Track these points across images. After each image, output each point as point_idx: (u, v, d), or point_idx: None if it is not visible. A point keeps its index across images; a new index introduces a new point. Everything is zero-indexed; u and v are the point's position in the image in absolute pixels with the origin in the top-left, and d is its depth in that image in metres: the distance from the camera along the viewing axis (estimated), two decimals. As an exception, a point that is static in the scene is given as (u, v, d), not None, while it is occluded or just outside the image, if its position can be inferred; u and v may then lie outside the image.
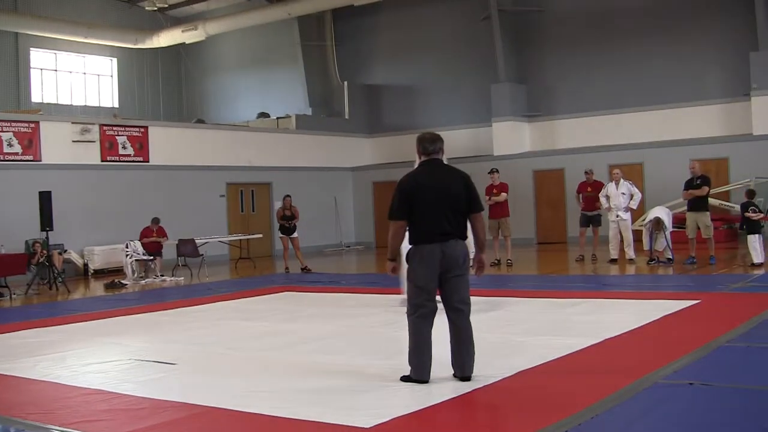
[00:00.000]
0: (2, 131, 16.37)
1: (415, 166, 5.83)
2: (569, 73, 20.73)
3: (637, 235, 14.59)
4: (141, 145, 18.77)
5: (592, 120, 20.31)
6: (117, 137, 18.33)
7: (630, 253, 14.22)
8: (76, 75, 24.75)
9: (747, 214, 12.55)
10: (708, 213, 13.17)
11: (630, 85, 19.65)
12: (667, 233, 13.53)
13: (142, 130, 18.95)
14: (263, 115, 23.58)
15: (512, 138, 21.07)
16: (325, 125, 23.59)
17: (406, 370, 5.54)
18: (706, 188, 12.99)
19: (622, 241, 14.43)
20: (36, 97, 23.42)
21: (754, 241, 12.43)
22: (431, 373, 5.46)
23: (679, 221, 14.49)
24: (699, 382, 5.10)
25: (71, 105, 24.14)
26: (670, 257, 13.50)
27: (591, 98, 20.26)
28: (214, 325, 9.02)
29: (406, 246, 5.65)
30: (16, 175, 16.43)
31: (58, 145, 17.22)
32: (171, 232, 16.38)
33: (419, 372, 5.46)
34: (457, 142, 20.71)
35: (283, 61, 25.02)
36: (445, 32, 22.66)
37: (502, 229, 14.72)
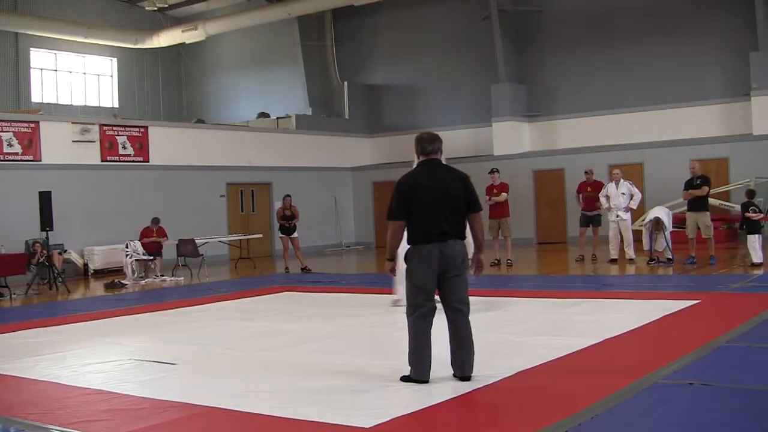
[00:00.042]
0: (2, 131, 16.37)
1: (414, 166, 5.83)
2: (569, 73, 20.73)
3: (637, 235, 14.59)
4: (141, 145, 18.77)
5: (592, 120, 20.31)
6: (117, 137, 18.33)
7: (630, 253, 14.22)
8: (76, 75, 24.75)
9: (747, 214, 12.55)
10: (708, 213, 13.17)
11: (630, 85, 19.65)
12: (667, 233, 13.53)
13: (142, 130, 18.95)
14: (263, 115, 23.58)
15: (512, 138, 21.07)
16: (325, 125, 23.60)
17: (406, 370, 5.54)
18: (706, 188, 13.00)
19: (622, 241, 14.43)
20: (36, 97, 23.42)
21: (753, 241, 12.44)
22: (431, 373, 5.46)
23: (679, 221, 14.49)
24: (699, 382, 5.10)
25: (71, 105, 24.14)
26: (670, 257, 13.50)
27: (591, 98, 20.27)
28: (214, 325, 9.02)
29: (403, 246, 5.65)
30: (16, 175, 16.43)
31: (58, 145, 17.22)
32: (171, 232, 16.38)
33: (419, 372, 5.46)
34: (457, 142, 20.72)
35: (283, 61, 25.02)
36: (445, 32, 22.66)
37: (502, 229, 14.72)
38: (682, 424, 4.35)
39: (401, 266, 5.86)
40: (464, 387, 5.33)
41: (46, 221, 14.47)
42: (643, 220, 14.82)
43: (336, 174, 23.20)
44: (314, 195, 21.45)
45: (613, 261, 14.28)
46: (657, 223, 13.54)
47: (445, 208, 5.49)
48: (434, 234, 5.45)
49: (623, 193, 14.35)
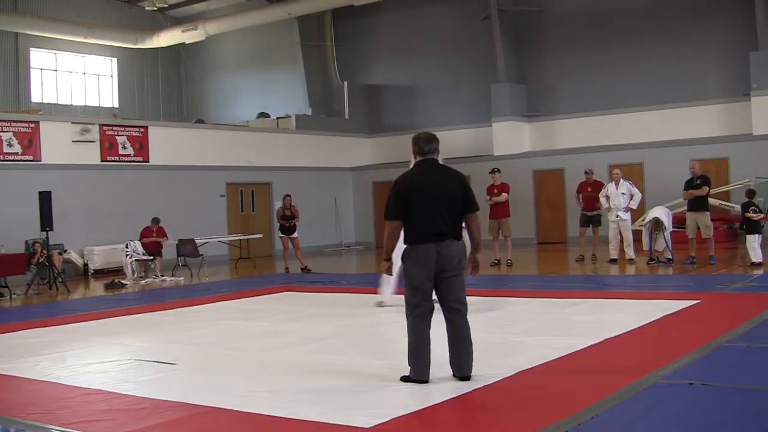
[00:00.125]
0: (2, 131, 16.37)
1: (411, 166, 5.83)
2: (569, 73, 20.73)
3: (637, 235, 14.59)
4: (141, 145, 18.77)
5: (592, 120, 20.31)
6: (117, 137, 18.33)
7: (630, 253, 14.22)
8: (76, 75, 24.75)
9: (747, 215, 12.56)
10: (708, 213, 13.17)
11: (630, 85, 19.65)
12: (667, 233, 13.53)
13: (142, 130, 18.95)
14: (263, 115, 23.58)
15: (512, 138, 21.07)
16: (325, 125, 23.59)
17: (406, 370, 5.54)
18: (706, 188, 13.00)
19: (622, 241, 14.43)
20: (36, 97, 23.42)
21: (752, 241, 12.44)
22: (431, 373, 5.46)
23: (679, 221, 14.49)
24: (699, 382, 5.10)
25: (71, 105, 24.15)
26: (670, 257, 13.50)
27: (591, 98, 20.26)
28: (214, 325, 9.02)
29: (400, 247, 5.64)
30: (16, 175, 16.43)
31: (58, 145, 17.22)
32: (171, 232, 16.38)
33: (419, 372, 5.46)
34: (457, 142, 20.73)
35: (283, 61, 25.02)
36: (445, 32, 22.66)
37: (502, 229, 14.72)
38: (682, 424, 4.35)
39: (396, 266, 5.86)
40: (464, 387, 5.33)
41: (46, 221, 14.47)
42: (643, 220, 14.82)
43: (336, 174, 23.20)
44: (314, 195, 21.45)
45: (613, 261, 14.27)
46: (657, 223, 13.54)
47: (443, 208, 5.48)
48: (431, 234, 5.45)
49: (623, 193, 14.35)
